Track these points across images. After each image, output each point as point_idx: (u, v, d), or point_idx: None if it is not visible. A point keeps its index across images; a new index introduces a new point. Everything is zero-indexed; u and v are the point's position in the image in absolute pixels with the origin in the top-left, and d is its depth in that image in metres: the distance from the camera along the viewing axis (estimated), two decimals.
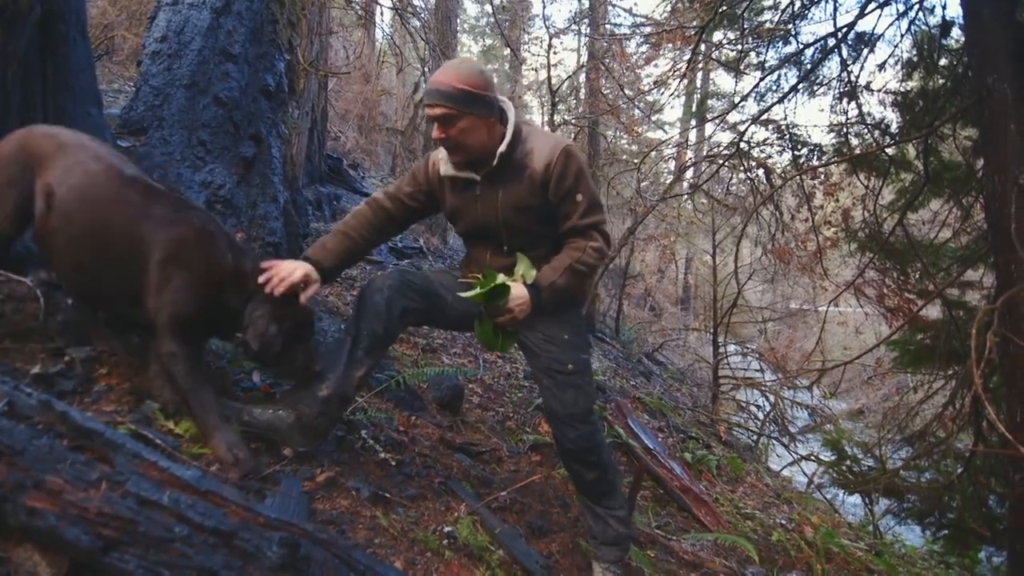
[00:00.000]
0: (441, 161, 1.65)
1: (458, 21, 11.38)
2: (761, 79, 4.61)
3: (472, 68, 1.52)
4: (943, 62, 3.62)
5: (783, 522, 3.64)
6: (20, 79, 2.02)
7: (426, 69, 7.23)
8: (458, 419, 2.80)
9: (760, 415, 6.39)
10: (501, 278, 1.58)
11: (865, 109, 4.10)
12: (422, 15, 6.98)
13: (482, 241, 1.73)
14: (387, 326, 1.61)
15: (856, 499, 4.70)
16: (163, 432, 1.44)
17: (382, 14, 8.58)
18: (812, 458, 5.12)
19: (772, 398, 6.00)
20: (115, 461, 1.07)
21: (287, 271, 1.55)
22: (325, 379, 1.59)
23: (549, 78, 6.81)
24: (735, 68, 5.14)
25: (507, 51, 15.47)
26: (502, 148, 1.55)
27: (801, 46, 4.33)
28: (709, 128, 8.06)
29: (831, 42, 4.01)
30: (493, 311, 1.60)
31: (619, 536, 1.78)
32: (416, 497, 1.75)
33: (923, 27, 3.71)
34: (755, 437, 6.19)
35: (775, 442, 6.08)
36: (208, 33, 2.85)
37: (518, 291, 1.58)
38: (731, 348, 7.41)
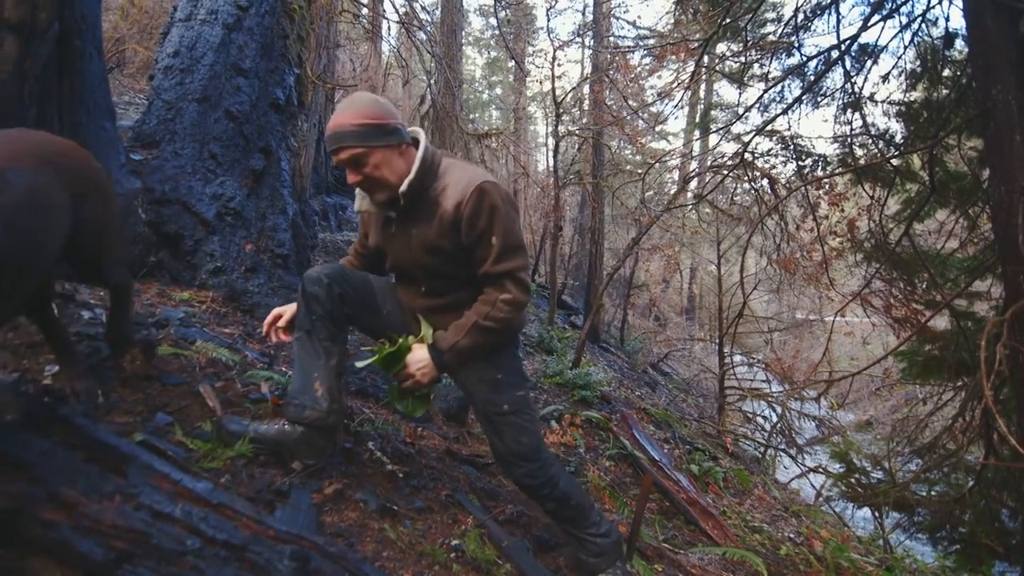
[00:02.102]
0: (358, 195, 1.59)
1: (463, 34, 11.51)
2: (765, 91, 4.63)
3: (366, 100, 1.45)
4: (947, 73, 3.64)
5: (791, 536, 3.61)
6: (37, 94, 2.06)
7: (432, 81, 7.31)
8: (464, 430, 2.80)
9: (767, 426, 6.34)
10: (411, 340, 1.54)
11: (869, 120, 4.11)
12: (428, 28, 7.07)
13: (404, 281, 1.67)
14: (332, 311, 1.57)
15: (865, 512, 4.65)
16: (175, 444, 1.44)
17: (389, 28, 8.70)
18: (820, 470, 5.08)
19: (779, 409, 5.96)
20: (128, 473, 1.08)
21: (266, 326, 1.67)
22: (313, 379, 1.57)
23: (553, 90, 6.86)
24: (739, 80, 5.17)
25: (511, 63, 15.61)
26: (404, 187, 1.44)
27: (804, 58, 4.36)
28: (713, 139, 8.10)
29: (834, 54, 4.03)
30: (398, 376, 1.54)
31: (602, 547, 1.77)
32: (423, 509, 1.75)
33: (927, 38, 3.73)
34: (762, 449, 6.14)
35: (782, 454, 6.03)
36: (220, 48, 2.90)
37: (419, 355, 1.52)
38: (737, 358, 7.38)
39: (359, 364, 1.57)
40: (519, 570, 1.71)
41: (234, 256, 2.65)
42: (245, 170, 2.87)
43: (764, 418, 6.59)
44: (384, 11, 9.27)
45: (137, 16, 6.97)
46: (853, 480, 4.21)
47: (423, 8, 6.91)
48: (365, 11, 8.69)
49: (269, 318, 1.68)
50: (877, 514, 4.25)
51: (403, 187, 1.46)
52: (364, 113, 1.41)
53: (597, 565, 1.77)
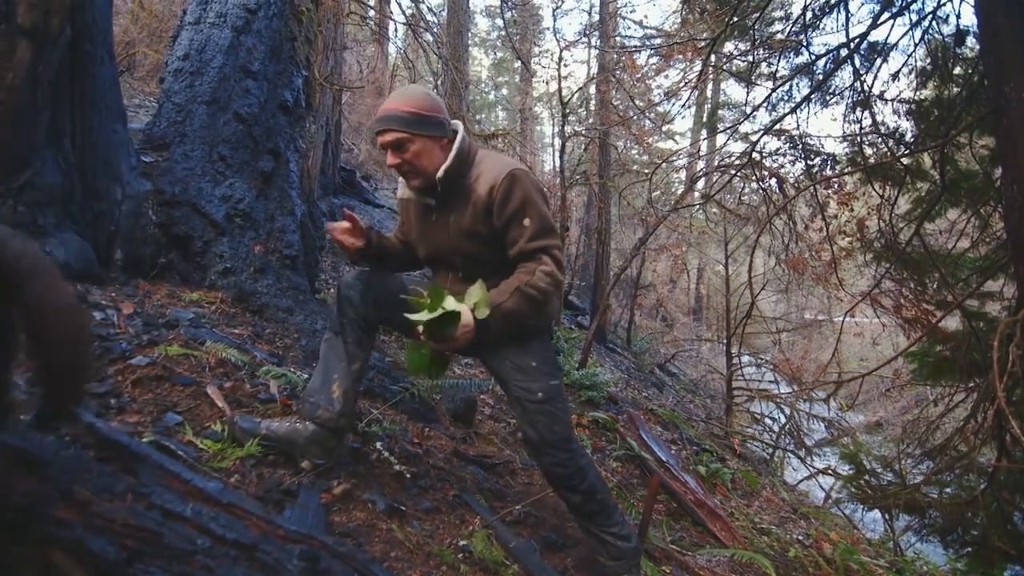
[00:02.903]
0: (400, 184, 1.67)
1: (469, 35, 11.53)
2: (773, 89, 4.61)
3: (419, 92, 1.54)
4: (958, 71, 3.60)
5: (800, 538, 3.58)
6: (49, 99, 2.09)
7: (439, 83, 7.33)
8: (471, 431, 2.81)
9: (775, 428, 6.30)
10: (451, 301, 1.48)
11: (879, 118, 4.08)
12: (434, 29, 7.09)
13: (442, 268, 1.71)
14: (365, 316, 1.62)
15: (875, 515, 4.60)
16: (185, 444, 1.46)
17: (395, 29, 8.72)
18: (829, 472, 5.03)
19: (787, 410, 5.91)
20: (140, 473, 1.09)
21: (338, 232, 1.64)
22: (332, 380, 1.60)
23: (560, 90, 6.86)
24: (746, 79, 5.14)
25: (518, 64, 15.62)
26: (440, 172, 1.52)
27: (813, 56, 4.34)
28: (721, 138, 8.05)
29: (844, 52, 4.00)
30: (436, 336, 1.49)
31: (622, 551, 1.76)
32: (431, 510, 1.75)
33: (937, 36, 3.70)
34: (770, 450, 6.10)
35: (791, 455, 5.99)
36: (229, 51, 2.92)
37: (465, 318, 1.50)
38: (745, 359, 7.33)
39: (412, 316, 1.48)
40: (527, 571, 1.71)
41: (243, 257, 2.66)
42: (254, 172, 2.89)
43: (772, 419, 6.55)
44: (391, 13, 9.30)
45: (147, 20, 7.04)
46: (863, 482, 4.18)
47: (429, 9, 6.93)
48: (372, 13, 8.74)
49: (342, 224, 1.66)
50: (887, 516, 4.20)
51: (439, 173, 1.53)
52: (415, 103, 1.50)
53: (615, 569, 1.76)
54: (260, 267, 2.68)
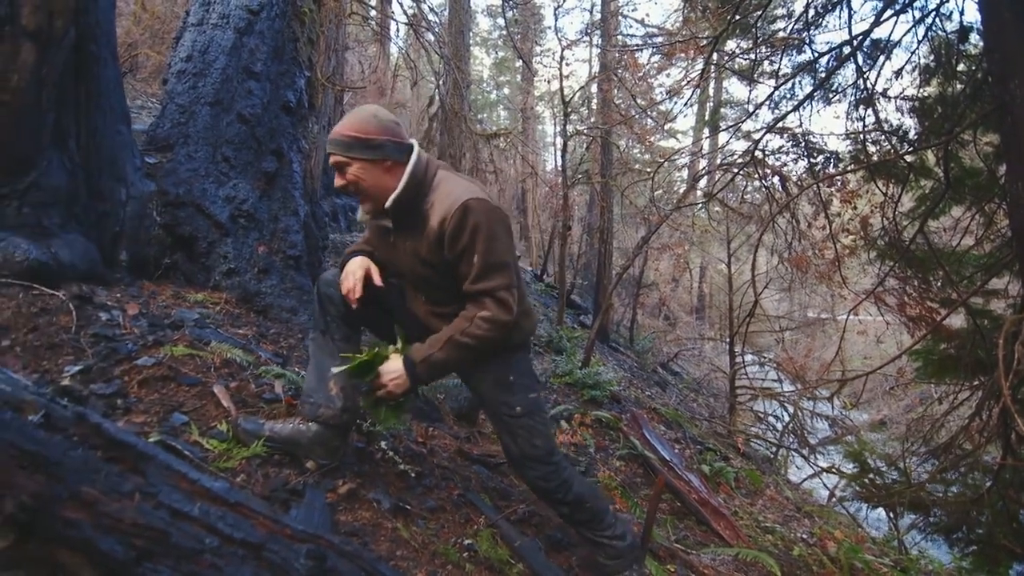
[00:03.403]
0: (359, 210, 1.62)
1: (471, 34, 11.53)
2: (776, 88, 4.59)
3: (364, 115, 1.48)
4: (962, 68, 3.59)
5: (804, 536, 3.57)
6: (54, 100, 2.10)
7: (440, 82, 7.33)
8: (475, 430, 2.81)
9: (779, 426, 6.29)
10: (390, 350, 1.52)
11: (882, 116, 4.06)
12: (436, 29, 7.09)
13: (409, 286, 1.68)
14: (345, 313, 1.61)
15: (880, 513, 4.59)
16: (191, 444, 1.46)
17: (397, 29, 8.73)
18: (833, 470, 5.02)
19: (791, 409, 5.90)
20: (147, 473, 1.09)
21: (351, 279, 1.54)
22: (327, 378, 1.60)
23: (561, 89, 6.86)
24: (749, 77, 5.13)
25: (519, 63, 15.61)
26: (389, 202, 1.47)
27: (816, 54, 4.32)
28: (723, 137, 8.04)
29: (846, 50, 3.99)
30: (370, 385, 1.52)
31: (620, 550, 1.76)
32: (436, 509, 1.76)
33: (940, 33, 3.68)
34: (774, 449, 6.09)
35: (794, 454, 5.98)
36: (232, 52, 2.93)
37: (392, 365, 1.50)
38: (748, 358, 7.32)
39: (333, 370, 1.55)
40: (531, 570, 1.71)
41: (247, 258, 2.67)
42: (257, 172, 2.90)
43: (776, 418, 6.54)
44: (392, 13, 9.31)
45: (149, 21, 7.06)
46: (867, 480, 4.17)
47: (431, 9, 6.93)
48: (373, 13, 8.74)
49: (346, 287, 1.57)
50: (892, 515, 4.19)
51: (388, 203, 1.47)
52: (355, 126, 1.46)
53: (615, 568, 1.76)
54: (264, 268, 2.69)
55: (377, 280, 1.57)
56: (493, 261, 1.46)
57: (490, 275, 1.47)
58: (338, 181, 1.49)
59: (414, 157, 1.51)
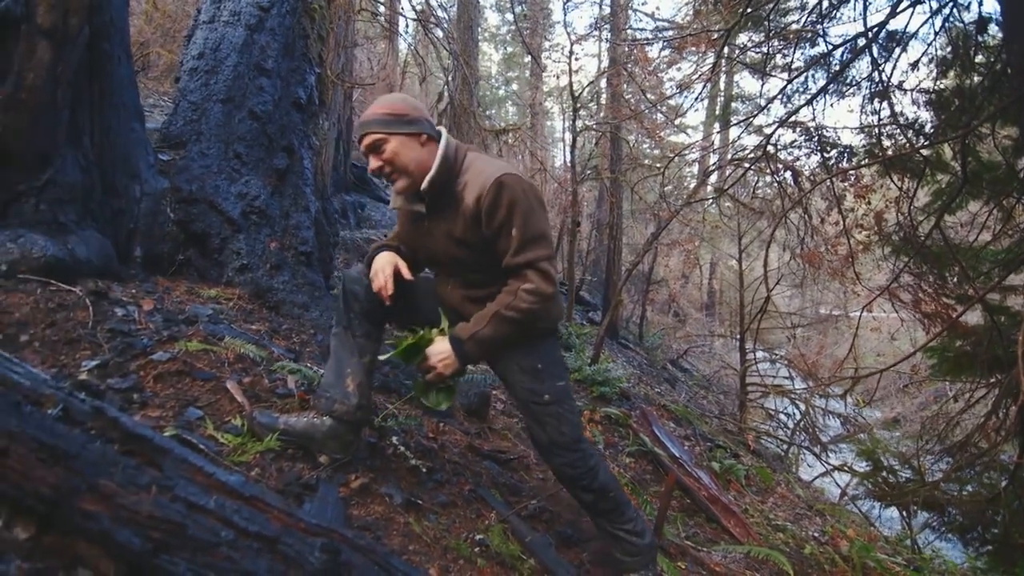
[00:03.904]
0: (392, 196, 1.65)
1: (479, 30, 11.50)
2: (788, 81, 4.54)
3: (394, 96, 1.55)
4: (980, 59, 3.52)
5: (816, 535, 3.55)
6: (69, 98, 2.12)
7: (449, 78, 7.32)
8: (485, 426, 2.82)
9: (790, 424, 6.24)
10: (434, 333, 1.54)
11: (897, 109, 3.99)
12: (444, 25, 7.08)
13: (443, 274, 1.69)
14: (371, 310, 1.62)
15: (892, 512, 4.54)
16: (206, 438, 1.48)
17: (406, 25, 8.73)
18: (846, 469, 4.97)
19: (802, 406, 5.85)
20: (163, 466, 1.11)
21: (381, 276, 1.55)
22: (345, 374, 1.62)
23: (571, 84, 6.82)
24: (761, 70, 5.07)
25: (528, 58, 15.55)
26: (425, 184, 1.49)
27: (830, 47, 4.26)
28: (734, 131, 7.96)
29: (861, 42, 3.93)
30: (420, 368, 1.54)
31: (638, 547, 1.75)
32: (447, 504, 1.76)
33: (958, 24, 3.61)
34: (785, 446, 6.05)
35: (806, 452, 5.93)
36: (243, 49, 2.94)
37: (440, 346, 1.52)
38: (759, 355, 7.26)
39: (381, 357, 1.58)
40: (543, 565, 1.71)
41: (259, 254, 2.69)
42: (269, 169, 2.92)
43: (787, 415, 6.48)
44: (401, 8, 9.31)
45: (160, 20, 7.12)
46: (880, 479, 4.13)
47: (440, 5, 6.92)
48: (382, 9, 8.74)
49: (377, 285, 1.57)
50: (905, 514, 4.14)
51: (424, 184, 1.50)
52: (388, 105, 1.51)
53: (631, 565, 1.76)
54: (276, 264, 2.71)
55: (407, 274, 1.59)
56: (532, 233, 1.48)
57: (530, 247, 1.48)
58: (374, 163, 1.51)
59: (444, 140, 1.54)
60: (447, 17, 8.18)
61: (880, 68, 3.91)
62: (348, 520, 1.44)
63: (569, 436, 1.63)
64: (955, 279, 3.79)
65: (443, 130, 1.58)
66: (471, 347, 1.52)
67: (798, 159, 5.38)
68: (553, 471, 1.73)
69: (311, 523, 1.11)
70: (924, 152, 3.68)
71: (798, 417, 5.91)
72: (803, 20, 4.52)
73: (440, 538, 1.57)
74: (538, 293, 1.49)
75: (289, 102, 3.12)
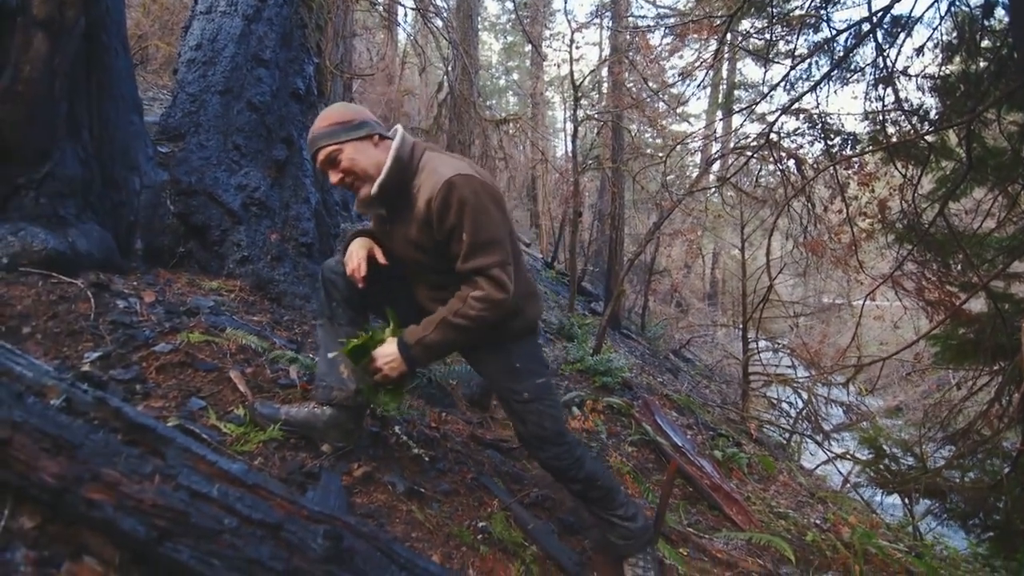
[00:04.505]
0: (355, 201, 1.60)
1: (479, 19, 11.40)
2: (792, 68, 4.49)
3: (334, 107, 1.51)
4: (986, 44, 3.47)
5: (818, 522, 3.56)
6: (67, 90, 2.11)
7: (449, 68, 7.27)
8: (487, 416, 2.83)
9: (792, 412, 6.25)
10: (386, 333, 1.53)
11: (902, 95, 3.95)
12: (444, 14, 7.01)
13: (409, 272, 1.66)
14: (350, 297, 1.62)
15: (894, 499, 4.56)
16: (209, 428, 1.49)
17: (405, 15, 8.65)
18: (848, 456, 4.98)
19: (805, 395, 5.85)
20: (167, 455, 1.11)
21: (355, 259, 1.54)
22: (338, 362, 1.61)
23: (572, 73, 6.76)
24: (764, 57, 5.02)
25: (528, 47, 15.43)
26: (379, 180, 1.44)
27: (833, 32, 4.21)
28: (737, 119, 7.90)
29: (866, 27, 3.88)
30: (366, 369, 1.53)
31: (631, 531, 1.77)
32: (450, 492, 1.78)
33: (964, 8, 3.57)
34: (787, 435, 6.06)
35: (808, 440, 5.94)
36: (240, 40, 2.92)
37: (387, 348, 1.50)
38: (761, 344, 7.26)
39: (329, 355, 1.57)
40: (545, 552, 1.72)
41: (260, 246, 2.69)
42: (268, 160, 2.91)
43: (789, 404, 6.49)
44: None
45: (158, 12, 7.07)
46: (882, 466, 4.13)
47: None
48: None
49: (351, 269, 1.56)
50: (907, 501, 4.16)
51: (374, 188, 1.46)
52: (330, 117, 1.47)
53: (627, 548, 1.78)
54: (277, 255, 2.71)
55: (381, 258, 1.57)
56: (483, 239, 1.43)
57: (480, 253, 1.43)
58: (333, 177, 1.48)
59: (398, 139, 1.49)
60: (446, 6, 8.11)
61: (885, 54, 3.87)
62: (351, 508, 1.45)
63: (551, 430, 1.63)
64: (959, 267, 3.77)
65: (399, 128, 1.54)
66: (418, 351, 1.49)
67: (801, 147, 5.34)
68: (540, 464, 1.74)
69: (314, 510, 1.11)
70: (929, 138, 3.64)
71: (800, 406, 5.92)
72: (806, 5, 4.46)
73: (443, 525, 1.58)
74: (487, 300, 1.44)
75: (288, 93, 3.10)
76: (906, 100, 3.95)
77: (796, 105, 4.67)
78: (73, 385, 1.26)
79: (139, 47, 6.45)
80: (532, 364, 1.65)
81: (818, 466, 5.47)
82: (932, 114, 3.83)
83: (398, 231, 1.53)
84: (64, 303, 1.80)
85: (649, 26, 6.53)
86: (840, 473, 5.27)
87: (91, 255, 2.10)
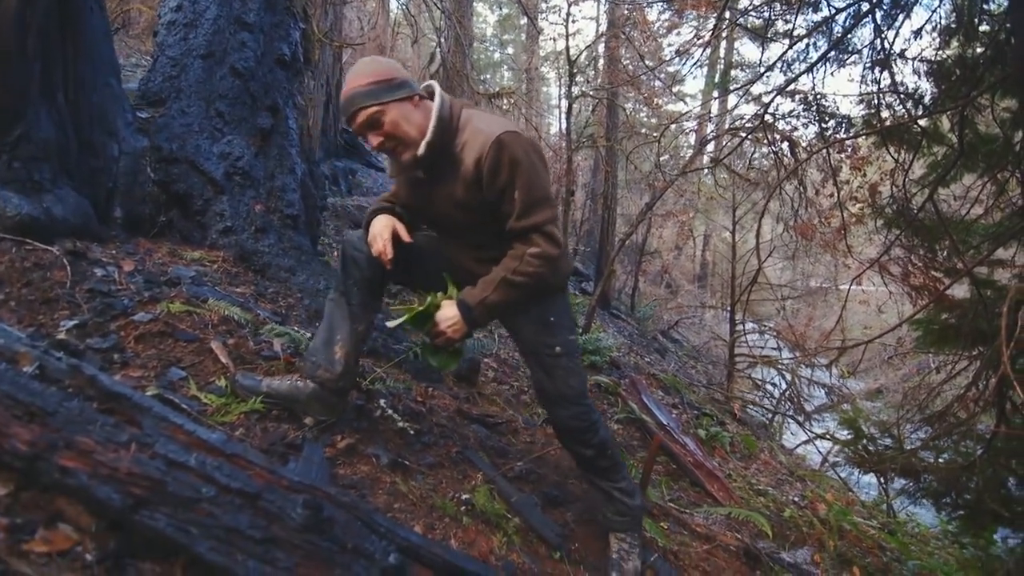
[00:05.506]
0: (387, 165, 1.58)
1: None
2: (789, 47, 4.43)
3: (369, 61, 1.43)
4: (984, 28, 3.44)
5: (796, 499, 3.65)
6: (40, 49, 2.02)
7: (442, 39, 7.10)
8: (474, 391, 2.83)
9: (776, 393, 6.36)
10: (440, 298, 1.54)
11: (898, 79, 3.92)
12: None
13: (450, 236, 1.65)
14: (371, 278, 1.60)
15: (870, 478, 4.68)
16: (189, 398, 1.47)
17: None
18: (827, 437, 5.09)
19: (788, 376, 5.95)
20: (143, 424, 1.10)
21: (380, 241, 1.51)
22: (335, 340, 1.61)
23: (567, 48, 6.63)
24: (761, 36, 4.95)
25: (524, 20, 15.09)
26: (425, 141, 1.41)
27: (832, 11, 4.15)
28: (732, 100, 7.82)
29: (865, 7, 3.82)
30: (429, 333, 1.54)
31: (628, 508, 1.80)
32: (434, 465, 1.78)
33: None
34: (770, 415, 6.18)
35: (790, 420, 6.06)
36: (223, 1, 2.81)
37: (448, 312, 1.51)
38: (748, 326, 7.33)
39: (390, 324, 1.56)
40: (528, 524, 1.75)
41: (244, 216, 2.64)
42: (252, 128, 2.83)
43: (773, 385, 6.60)
44: None
45: None
46: (860, 446, 4.23)
47: None
48: None
49: (376, 249, 1.53)
50: (882, 480, 4.27)
51: (421, 149, 1.42)
52: (369, 73, 1.39)
53: (621, 524, 1.80)
54: (261, 226, 2.66)
55: (405, 237, 1.55)
56: (536, 196, 1.44)
57: (534, 210, 1.44)
58: (374, 140, 1.42)
59: (438, 99, 1.44)
60: None
61: (883, 35, 3.82)
62: (334, 479, 1.45)
63: (576, 389, 1.65)
64: (945, 252, 3.80)
65: (435, 86, 1.49)
66: (480, 312, 1.51)
67: (796, 129, 5.31)
68: (556, 425, 1.74)
69: (294, 480, 1.11)
70: (922, 123, 3.63)
71: (784, 387, 6.02)
72: None
73: (426, 497, 1.59)
74: (544, 256, 1.46)
75: (272, 59, 3.00)
76: (902, 84, 3.92)
77: (792, 86, 4.63)
78: (47, 352, 1.23)
79: (120, 10, 6.20)
80: (565, 319, 1.66)
81: (798, 445, 5.60)
82: (926, 99, 3.81)
83: (440, 192, 1.50)
84: (39, 270, 1.75)
85: (647, 1, 6.41)
86: (820, 452, 5.39)
87: (67, 222, 2.04)
